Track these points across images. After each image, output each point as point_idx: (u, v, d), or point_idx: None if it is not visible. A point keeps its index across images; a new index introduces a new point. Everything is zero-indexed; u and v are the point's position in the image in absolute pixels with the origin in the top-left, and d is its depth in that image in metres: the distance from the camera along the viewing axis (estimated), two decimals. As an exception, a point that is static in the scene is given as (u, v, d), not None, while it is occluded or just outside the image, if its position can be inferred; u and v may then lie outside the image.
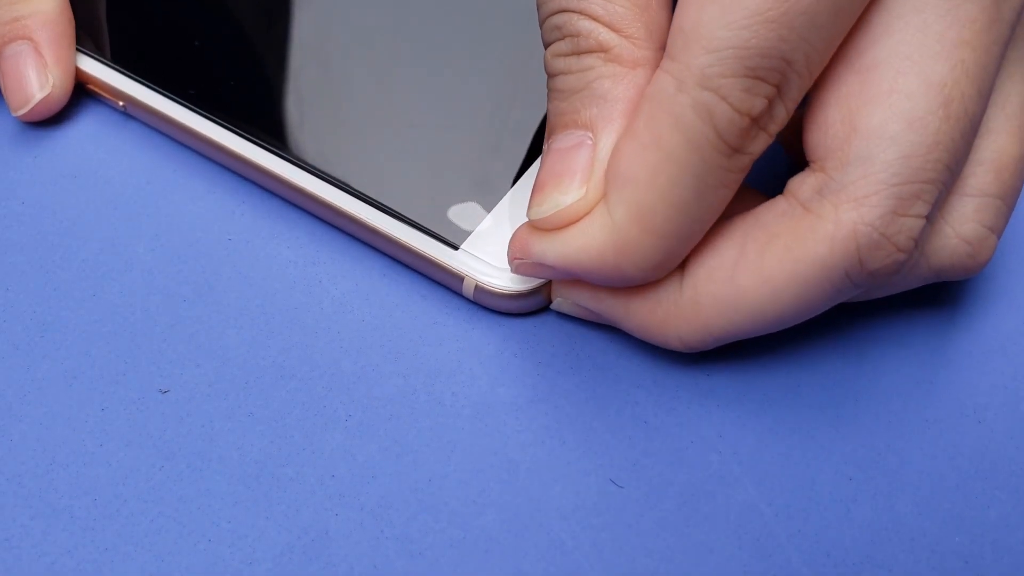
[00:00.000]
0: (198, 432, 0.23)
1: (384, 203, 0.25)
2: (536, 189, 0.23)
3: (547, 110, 0.23)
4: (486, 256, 0.24)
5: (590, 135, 0.22)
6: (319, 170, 0.26)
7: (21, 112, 0.27)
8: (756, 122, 0.20)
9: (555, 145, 0.22)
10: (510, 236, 0.25)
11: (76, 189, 0.27)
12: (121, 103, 0.28)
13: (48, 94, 0.27)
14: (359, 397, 0.24)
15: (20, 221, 0.26)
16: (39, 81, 0.27)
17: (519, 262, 0.23)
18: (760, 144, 0.21)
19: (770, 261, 0.21)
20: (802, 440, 0.23)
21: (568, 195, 0.22)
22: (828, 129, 0.21)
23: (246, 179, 0.27)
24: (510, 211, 0.25)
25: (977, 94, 0.21)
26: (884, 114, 0.20)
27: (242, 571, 0.21)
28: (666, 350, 0.24)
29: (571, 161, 0.22)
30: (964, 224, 0.22)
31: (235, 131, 0.27)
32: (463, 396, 0.24)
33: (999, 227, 0.23)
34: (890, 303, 0.25)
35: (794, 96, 0.20)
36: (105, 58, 0.28)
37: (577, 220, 0.22)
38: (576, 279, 0.24)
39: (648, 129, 0.21)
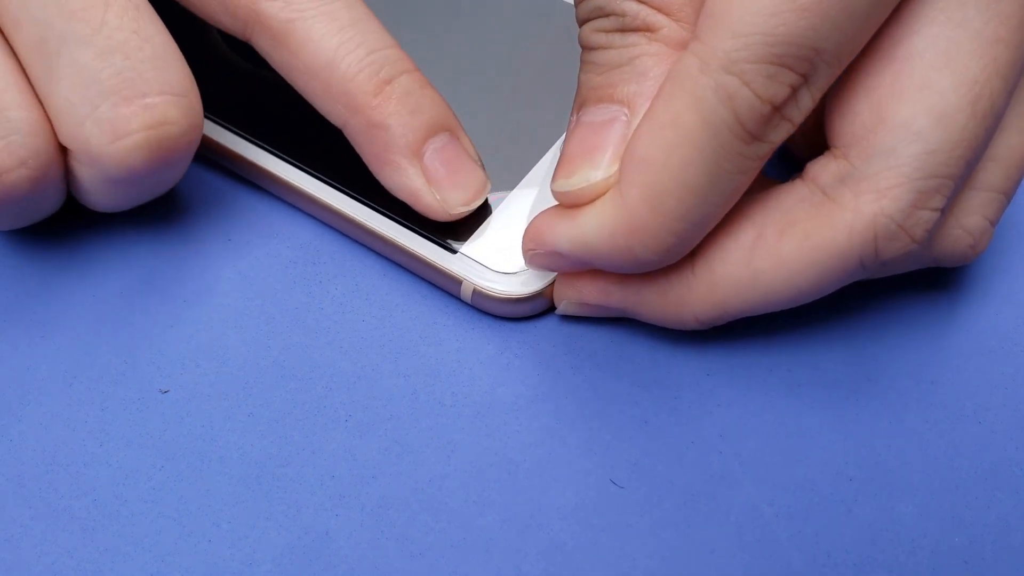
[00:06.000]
0: (198, 432, 0.23)
1: (383, 206, 0.25)
2: (563, 162, 0.22)
3: (578, 82, 0.22)
4: (485, 260, 0.24)
5: (626, 111, 0.21)
6: (319, 173, 0.26)
7: None
8: (779, 110, 0.20)
9: (586, 118, 0.22)
10: (510, 239, 0.25)
11: (76, 189, 0.27)
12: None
13: None
14: (359, 397, 0.24)
15: (20, 221, 0.26)
16: None
17: (532, 253, 0.23)
18: (782, 133, 0.20)
19: (788, 246, 0.21)
20: (802, 440, 0.23)
21: (599, 170, 0.21)
22: (855, 118, 0.21)
23: (246, 181, 0.27)
24: (510, 215, 0.25)
25: (1005, 91, 0.21)
26: (914, 108, 0.20)
27: (242, 572, 0.21)
28: (666, 349, 0.24)
29: (604, 136, 0.22)
30: (969, 216, 0.23)
31: (235, 132, 0.27)
32: (463, 396, 0.24)
33: (998, 219, 0.23)
34: (890, 303, 0.25)
35: (821, 85, 0.20)
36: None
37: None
38: (583, 274, 0.23)
39: (667, 108, 0.20)
